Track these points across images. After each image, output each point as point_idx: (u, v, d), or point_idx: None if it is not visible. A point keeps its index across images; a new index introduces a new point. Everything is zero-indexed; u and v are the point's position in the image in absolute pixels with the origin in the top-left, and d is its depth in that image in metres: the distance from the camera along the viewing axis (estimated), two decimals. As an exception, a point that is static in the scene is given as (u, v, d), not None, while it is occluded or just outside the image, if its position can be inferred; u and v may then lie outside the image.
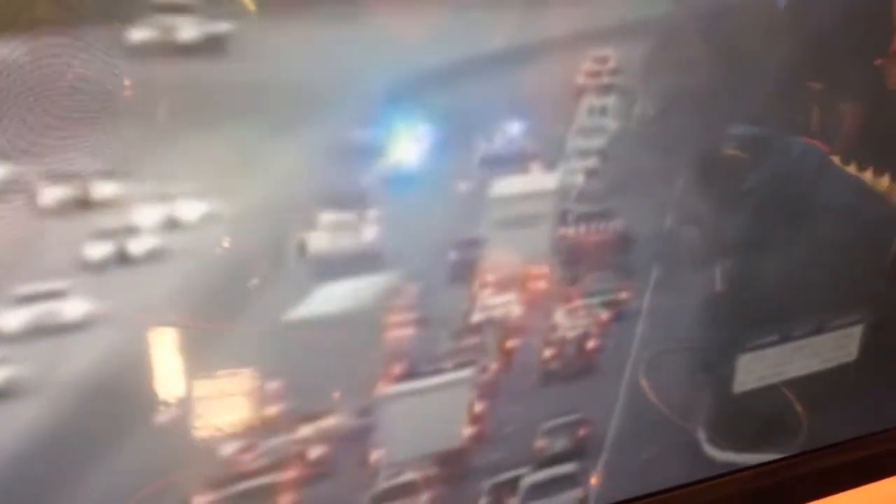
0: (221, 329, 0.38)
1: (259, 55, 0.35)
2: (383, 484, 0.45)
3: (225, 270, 0.38)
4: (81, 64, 0.32)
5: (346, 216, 0.39)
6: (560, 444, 0.50)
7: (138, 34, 0.32)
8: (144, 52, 0.33)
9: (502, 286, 0.44)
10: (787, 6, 0.46)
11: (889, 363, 0.60)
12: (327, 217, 0.39)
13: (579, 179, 0.44)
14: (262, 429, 0.41)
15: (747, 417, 0.56)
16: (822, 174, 0.52)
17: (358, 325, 0.41)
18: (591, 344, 0.48)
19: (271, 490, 0.42)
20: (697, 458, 0.55)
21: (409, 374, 0.43)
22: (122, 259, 0.35)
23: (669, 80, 0.44)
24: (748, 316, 0.53)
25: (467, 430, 0.46)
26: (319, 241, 0.39)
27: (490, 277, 0.44)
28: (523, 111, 0.41)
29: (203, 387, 0.39)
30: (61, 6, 0.31)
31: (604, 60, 0.42)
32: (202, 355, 0.39)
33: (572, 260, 0.46)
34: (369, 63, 0.37)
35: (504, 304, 0.45)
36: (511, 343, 0.46)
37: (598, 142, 0.44)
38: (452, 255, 0.42)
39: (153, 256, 0.35)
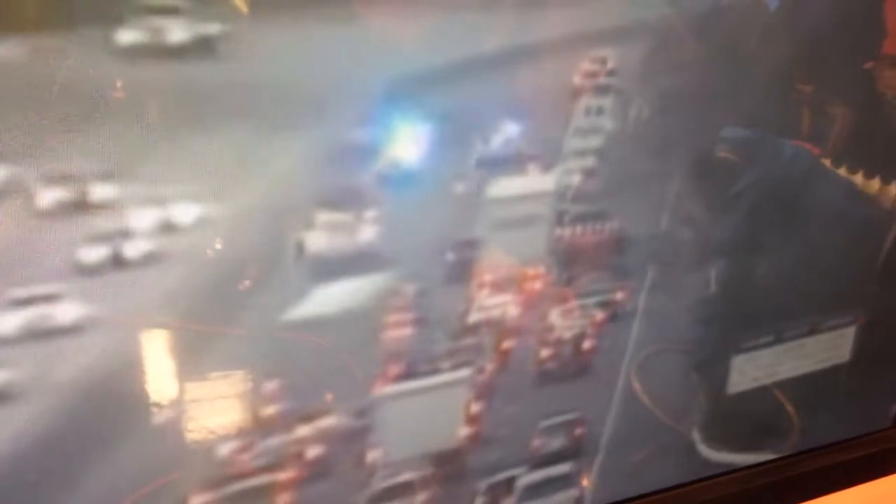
0: (218, 331, 0.38)
1: (252, 56, 0.35)
2: (380, 484, 0.45)
3: (222, 272, 0.37)
4: (73, 66, 0.32)
5: (344, 217, 0.39)
6: (556, 444, 0.50)
7: (130, 36, 0.32)
8: (136, 53, 0.33)
9: (499, 287, 0.44)
10: (779, 10, 0.46)
11: (881, 364, 0.61)
12: (324, 218, 0.39)
13: (576, 180, 0.44)
14: (259, 429, 0.41)
15: (741, 418, 0.56)
16: (814, 176, 0.52)
17: (355, 325, 0.41)
18: (586, 344, 0.48)
19: (269, 490, 0.42)
20: (692, 459, 0.55)
21: (407, 375, 0.43)
22: (118, 262, 0.35)
23: (665, 83, 0.45)
24: (742, 317, 0.53)
25: (464, 431, 0.46)
26: (317, 241, 0.39)
27: (487, 278, 0.44)
28: (520, 112, 0.41)
29: (201, 388, 0.39)
30: (53, 8, 0.31)
31: (602, 61, 0.42)
32: (200, 357, 0.38)
33: (568, 260, 0.46)
34: (365, 64, 0.37)
35: (501, 305, 0.45)
36: (508, 343, 0.46)
37: (594, 142, 0.44)
38: (449, 256, 0.42)
39: (150, 259, 0.35)
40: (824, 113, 0.51)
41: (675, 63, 0.45)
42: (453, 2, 0.38)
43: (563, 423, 0.49)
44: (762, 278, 0.53)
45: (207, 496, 0.40)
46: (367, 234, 0.40)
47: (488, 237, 0.43)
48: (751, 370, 0.55)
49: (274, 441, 0.41)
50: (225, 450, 0.40)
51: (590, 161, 0.44)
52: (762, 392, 0.56)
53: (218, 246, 0.37)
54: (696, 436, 0.55)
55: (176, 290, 0.37)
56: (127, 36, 0.32)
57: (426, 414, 0.45)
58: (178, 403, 0.38)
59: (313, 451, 0.42)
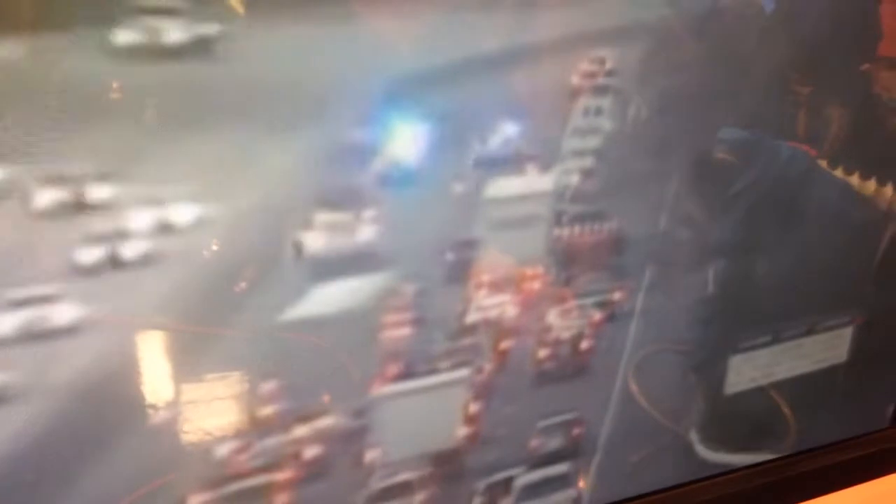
0: (216, 332, 0.38)
1: (250, 57, 0.35)
2: (378, 484, 0.45)
3: (220, 273, 0.37)
4: (70, 66, 0.32)
5: (342, 217, 0.39)
6: (554, 443, 0.50)
7: (127, 36, 0.32)
8: (134, 54, 0.33)
9: (497, 287, 0.44)
10: (776, 12, 0.47)
11: (878, 364, 0.61)
12: (323, 218, 0.39)
13: (574, 180, 0.44)
14: (257, 429, 0.40)
15: (739, 418, 0.57)
16: (811, 178, 0.52)
17: (354, 325, 0.41)
18: (584, 344, 0.48)
19: (267, 490, 0.42)
20: (690, 459, 0.55)
21: (405, 375, 0.43)
22: (115, 263, 0.35)
23: (662, 83, 0.45)
24: (740, 317, 0.54)
25: (462, 431, 0.46)
26: (315, 241, 0.39)
27: (485, 278, 0.44)
28: (519, 112, 0.41)
29: (199, 389, 0.39)
30: (50, 9, 0.31)
31: (600, 62, 0.42)
32: (199, 358, 0.38)
33: (567, 261, 0.46)
34: (363, 64, 0.37)
35: (499, 305, 0.45)
36: (506, 343, 0.46)
37: (593, 142, 0.44)
38: (448, 256, 0.42)
39: (147, 260, 0.35)
40: (821, 114, 0.51)
41: (672, 64, 0.45)
42: (452, 1, 0.38)
43: (561, 423, 0.49)
44: (760, 279, 0.53)
45: (205, 496, 0.40)
46: (366, 234, 0.40)
47: (487, 237, 0.43)
48: (748, 370, 0.55)
49: (272, 441, 0.41)
50: (223, 450, 0.40)
51: (588, 161, 0.44)
52: (760, 392, 0.56)
53: (216, 246, 0.37)
54: (693, 436, 0.55)
55: (174, 290, 0.36)
56: (124, 36, 0.32)
57: (424, 414, 0.45)
58: (176, 404, 0.38)
59: (311, 452, 0.42)
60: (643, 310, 0.49)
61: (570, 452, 0.51)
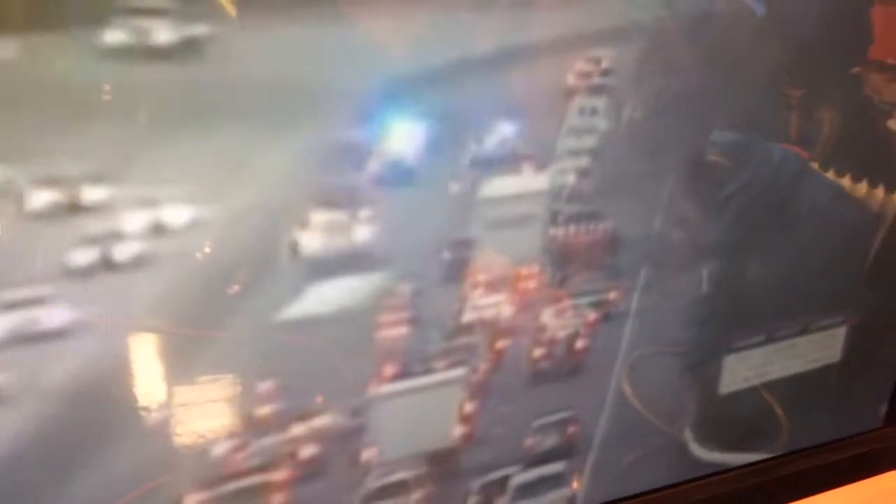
0: (211, 334, 0.38)
1: (244, 57, 0.35)
2: (374, 483, 0.45)
3: (215, 274, 0.37)
4: (62, 67, 0.32)
5: (338, 217, 0.39)
6: (549, 442, 0.50)
7: (118, 37, 0.32)
8: (125, 55, 0.32)
9: (493, 286, 0.44)
10: (768, 16, 0.47)
11: (871, 364, 0.61)
12: (319, 218, 0.39)
13: (570, 180, 0.44)
14: (253, 430, 0.40)
15: (733, 418, 0.57)
16: (803, 180, 0.53)
17: (350, 325, 0.41)
18: (580, 344, 0.48)
19: (263, 489, 0.42)
20: (684, 459, 0.56)
21: (401, 374, 0.43)
22: (108, 265, 0.35)
23: (657, 84, 0.45)
24: (734, 317, 0.54)
25: (458, 430, 0.46)
26: (311, 241, 0.39)
27: (481, 278, 0.44)
28: (515, 112, 0.42)
29: (194, 391, 0.39)
30: (40, 9, 0.31)
31: (596, 61, 0.42)
32: (195, 359, 0.38)
33: (562, 260, 0.46)
34: (357, 64, 0.37)
35: (495, 305, 0.45)
36: (501, 343, 0.46)
37: (588, 142, 0.44)
38: (444, 256, 0.43)
39: (141, 262, 0.35)
40: (813, 117, 0.51)
41: (666, 65, 0.45)
42: (447, 1, 0.38)
43: (556, 421, 0.50)
44: (754, 279, 0.53)
45: (201, 496, 0.40)
46: (362, 233, 0.40)
47: (483, 237, 0.43)
48: (742, 370, 0.55)
49: (268, 441, 0.41)
50: (219, 450, 0.40)
51: (584, 161, 0.44)
52: (754, 392, 0.57)
53: (210, 248, 0.37)
54: (688, 435, 0.55)
55: (168, 292, 0.36)
56: (115, 37, 0.32)
57: (420, 413, 0.45)
58: (170, 406, 0.38)
59: (308, 451, 0.42)
60: (638, 310, 0.49)
61: (565, 451, 0.51)
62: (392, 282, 0.42)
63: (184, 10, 0.33)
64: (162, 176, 0.35)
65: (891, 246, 0.57)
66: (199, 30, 0.34)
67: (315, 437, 0.42)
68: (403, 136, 0.40)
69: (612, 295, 0.48)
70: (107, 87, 0.33)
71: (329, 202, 0.39)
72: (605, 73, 0.43)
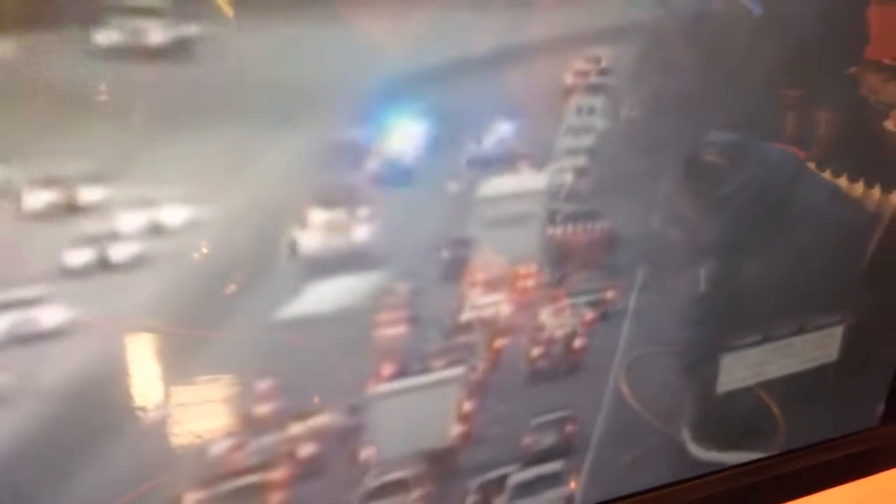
0: (209, 335, 0.38)
1: (241, 57, 0.35)
2: (373, 482, 0.45)
3: (213, 274, 0.37)
4: (58, 67, 0.32)
5: (336, 216, 0.39)
6: (547, 441, 0.50)
7: (114, 37, 0.32)
8: (121, 55, 0.32)
9: (491, 285, 0.44)
10: (765, 16, 0.47)
11: (868, 363, 0.61)
12: (317, 217, 0.39)
13: (568, 179, 0.44)
14: (252, 429, 0.40)
15: (731, 417, 0.57)
16: (800, 180, 0.53)
17: (349, 324, 0.41)
18: (578, 343, 0.48)
19: (261, 488, 0.42)
20: (682, 458, 0.56)
21: (400, 373, 0.43)
22: (105, 265, 0.35)
23: (654, 84, 0.45)
24: (732, 316, 0.54)
25: (456, 429, 0.47)
26: (310, 241, 0.39)
27: (480, 277, 0.44)
28: (513, 111, 0.42)
29: (194, 390, 0.39)
30: (36, 9, 0.31)
31: (595, 60, 0.43)
32: (193, 359, 0.38)
33: (560, 259, 0.46)
34: (355, 64, 0.37)
35: (493, 304, 0.45)
36: (500, 342, 0.46)
37: (586, 141, 0.44)
38: (442, 255, 0.43)
39: (138, 262, 0.35)
40: (809, 117, 0.51)
41: (664, 65, 0.45)
42: (444, 0, 0.38)
43: (554, 420, 0.50)
44: (751, 278, 0.53)
45: (200, 495, 0.40)
46: (361, 232, 0.40)
47: (481, 236, 0.43)
48: (740, 369, 0.55)
49: (267, 440, 0.41)
50: (218, 449, 0.40)
51: (581, 160, 0.44)
52: (751, 391, 0.57)
53: (208, 247, 0.37)
54: (685, 435, 0.55)
55: (165, 292, 0.36)
56: (112, 37, 0.32)
57: (419, 412, 0.45)
58: (169, 406, 0.38)
59: (306, 450, 0.42)
60: (636, 309, 0.49)
61: (563, 450, 0.51)
62: (390, 281, 0.42)
63: (180, 10, 0.33)
64: (159, 176, 0.35)
65: (887, 246, 0.57)
66: (195, 30, 0.34)
67: (314, 435, 0.42)
68: (401, 136, 0.40)
69: (610, 294, 0.48)
70: (104, 88, 0.33)
71: (327, 201, 0.39)
72: (603, 72, 0.43)
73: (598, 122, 0.44)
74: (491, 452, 0.48)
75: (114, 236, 0.35)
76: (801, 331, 0.57)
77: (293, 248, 0.39)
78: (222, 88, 0.35)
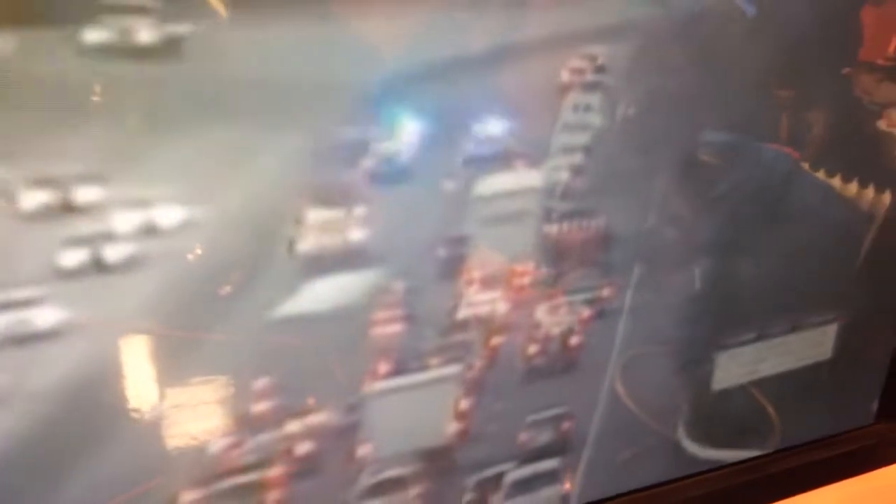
0: (205, 336, 0.38)
1: (232, 56, 0.35)
2: (370, 480, 0.45)
3: (208, 274, 0.37)
4: (49, 66, 0.32)
5: (333, 215, 0.39)
6: (544, 439, 0.50)
7: (106, 36, 0.32)
8: (113, 54, 0.32)
9: (488, 283, 0.45)
10: (758, 17, 0.47)
11: (863, 361, 0.61)
12: (313, 216, 0.39)
13: (564, 177, 0.44)
14: (248, 428, 0.40)
15: (726, 415, 0.57)
16: (794, 180, 0.53)
17: (345, 323, 0.41)
18: (574, 340, 0.48)
19: (258, 486, 0.42)
20: (678, 456, 0.56)
21: (396, 371, 0.44)
22: (99, 266, 0.35)
23: (650, 82, 0.45)
24: (727, 314, 0.54)
25: (453, 427, 0.47)
26: (306, 240, 0.39)
27: (476, 274, 0.44)
28: (509, 109, 0.42)
29: (191, 389, 0.39)
30: (28, 8, 0.31)
31: (591, 58, 0.43)
32: (190, 359, 0.38)
33: (556, 257, 0.46)
34: (352, 63, 0.37)
35: (489, 301, 0.45)
36: (496, 340, 0.46)
37: (582, 139, 0.44)
38: (439, 253, 0.43)
39: (132, 263, 0.35)
40: (803, 118, 0.52)
41: (659, 64, 0.45)
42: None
43: (550, 418, 0.50)
44: (746, 277, 0.53)
45: (197, 494, 0.40)
46: (357, 231, 0.40)
47: (477, 234, 0.43)
48: (735, 367, 0.56)
49: (264, 438, 0.41)
50: (215, 448, 0.40)
51: (577, 158, 0.44)
52: (746, 389, 0.57)
53: (203, 248, 0.37)
54: (681, 432, 0.55)
55: (161, 293, 0.36)
56: (103, 36, 0.32)
57: (416, 410, 0.45)
58: (167, 405, 0.38)
59: (303, 448, 0.42)
60: (631, 307, 0.49)
61: (559, 448, 0.51)
62: (387, 279, 0.42)
63: (170, 9, 0.33)
64: (153, 176, 0.35)
65: (881, 245, 0.58)
66: (187, 28, 0.34)
67: (310, 434, 0.42)
68: (397, 134, 0.40)
69: (606, 292, 0.48)
70: (96, 87, 0.33)
71: (323, 200, 0.39)
72: (599, 69, 0.43)
73: (595, 120, 0.44)
74: (488, 450, 0.48)
75: (108, 237, 0.34)
76: (795, 329, 0.57)
77: (289, 247, 0.38)
78: (216, 87, 0.35)
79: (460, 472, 0.48)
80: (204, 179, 0.36)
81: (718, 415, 0.56)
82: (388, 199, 0.40)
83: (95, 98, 0.33)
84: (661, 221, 0.48)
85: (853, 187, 0.56)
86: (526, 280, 0.46)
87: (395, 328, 0.43)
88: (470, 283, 0.44)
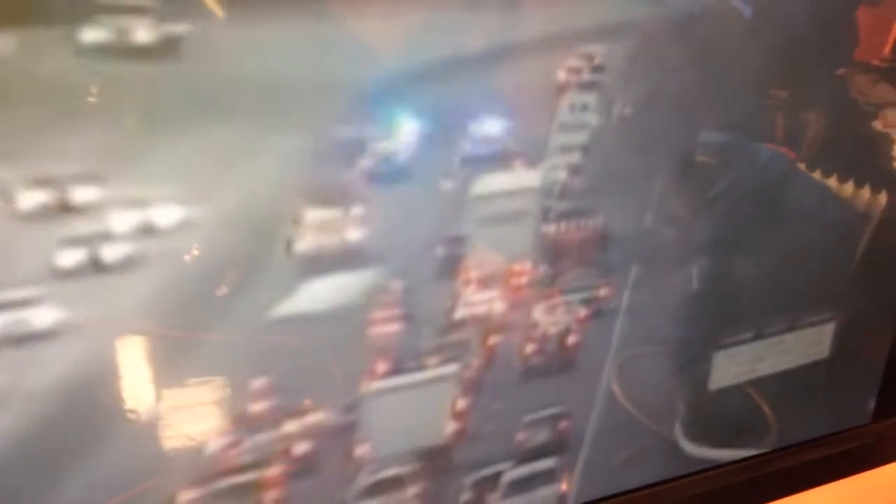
0: (203, 336, 0.38)
1: (231, 55, 0.35)
2: (367, 479, 0.45)
3: (206, 274, 0.37)
4: (46, 66, 0.32)
5: (331, 215, 0.39)
6: (541, 438, 0.50)
7: (104, 35, 0.32)
8: (111, 53, 0.32)
9: (485, 283, 0.45)
10: (755, 18, 0.47)
11: (859, 360, 0.62)
12: (311, 216, 0.39)
13: (561, 176, 0.44)
14: (246, 428, 0.40)
15: (723, 414, 0.57)
16: (790, 180, 0.53)
17: (343, 323, 0.41)
18: (571, 340, 0.49)
19: (256, 486, 0.42)
20: (676, 455, 0.56)
21: (394, 371, 0.44)
22: (97, 266, 0.34)
23: (646, 82, 0.45)
24: (724, 314, 0.54)
25: (450, 426, 0.47)
26: (304, 240, 0.39)
27: (473, 274, 0.44)
28: (506, 108, 0.42)
29: (189, 390, 0.39)
30: (25, 8, 0.31)
31: (588, 58, 0.43)
32: (188, 359, 0.38)
33: (554, 257, 0.46)
34: (349, 62, 0.37)
35: (487, 301, 0.45)
36: (494, 339, 0.46)
37: (579, 138, 0.44)
38: (437, 252, 0.43)
39: (130, 263, 0.35)
40: (799, 118, 0.52)
41: (656, 63, 0.45)
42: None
43: (548, 417, 0.50)
44: (743, 277, 0.53)
45: (194, 493, 0.40)
46: (355, 231, 0.40)
47: (475, 234, 0.43)
48: (732, 367, 0.56)
49: (261, 438, 0.41)
50: (213, 448, 0.40)
51: (575, 157, 0.44)
52: (743, 388, 0.57)
53: (201, 247, 0.37)
54: (678, 432, 0.56)
55: (159, 293, 0.36)
56: (101, 36, 0.32)
57: (413, 410, 0.45)
58: (164, 406, 0.38)
59: (301, 448, 0.42)
60: (629, 306, 0.49)
61: (557, 447, 0.51)
62: (384, 279, 0.42)
63: (168, 8, 0.33)
64: (151, 175, 0.35)
65: (877, 245, 0.58)
66: (185, 28, 0.33)
67: (308, 433, 0.42)
68: (395, 134, 0.40)
69: (603, 291, 0.49)
70: (93, 87, 0.32)
71: (321, 200, 0.39)
72: (597, 69, 0.43)
73: (592, 119, 0.44)
74: (485, 449, 0.48)
75: (106, 237, 0.34)
76: (792, 328, 0.57)
77: (287, 247, 0.39)
78: (214, 87, 0.35)
79: (458, 471, 0.48)
80: (202, 179, 0.36)
81: (716, 414, 0.57)
82: (386, 198, 0.40)
83: (93, 98, 0.33)
84: (658, 221, 0.49)
85: (849, 187, 0.56)
86: (523, 280, 0.46)
87: (393, 328, 0.43)
88: (467, 282, 0.44)
